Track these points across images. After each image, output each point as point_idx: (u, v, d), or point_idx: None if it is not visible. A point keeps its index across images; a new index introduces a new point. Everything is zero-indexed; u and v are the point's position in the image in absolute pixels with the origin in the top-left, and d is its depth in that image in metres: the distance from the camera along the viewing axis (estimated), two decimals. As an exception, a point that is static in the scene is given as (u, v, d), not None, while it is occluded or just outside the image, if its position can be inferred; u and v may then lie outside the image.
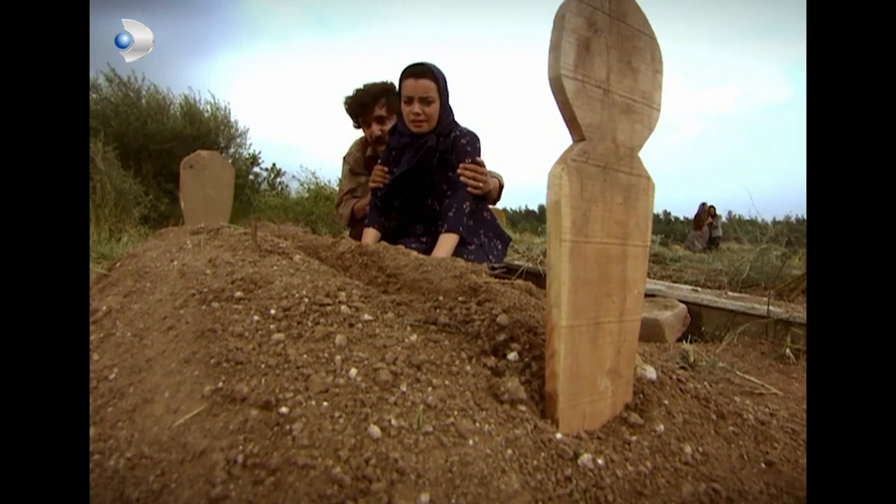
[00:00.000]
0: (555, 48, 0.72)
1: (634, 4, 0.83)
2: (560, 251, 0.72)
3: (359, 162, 2.76)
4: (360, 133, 2.81)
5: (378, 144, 2.62)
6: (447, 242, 2.02)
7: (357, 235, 2.53)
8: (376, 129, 2.57)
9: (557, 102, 0.73)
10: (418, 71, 2.03)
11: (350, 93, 2.67)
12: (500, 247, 2.37)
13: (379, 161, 2.41)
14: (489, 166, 2.27)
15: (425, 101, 2.03)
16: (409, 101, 2.03)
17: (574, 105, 0.73)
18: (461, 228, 2.06)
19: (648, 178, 0.86)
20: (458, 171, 2.08)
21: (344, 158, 2.85)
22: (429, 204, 2.21)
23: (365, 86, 2.63)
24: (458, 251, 2.10)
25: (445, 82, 2.13)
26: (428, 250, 2.05)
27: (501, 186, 2.47)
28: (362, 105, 2.59)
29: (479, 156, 2.17)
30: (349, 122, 2.74)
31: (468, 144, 2.14)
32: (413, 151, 2.12)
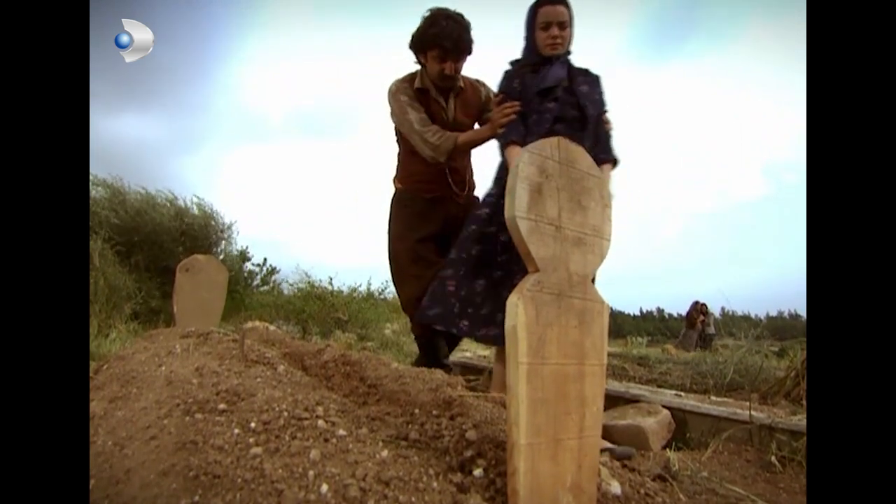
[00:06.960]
0: (510, 193, 0.83)
1: (582, 151, 0.97)
2: (518, 373, 0.79)
3: (410, 95, 2.51)
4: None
5: (446, 81, 2.43)
6: (605, 173, 2.05)
7: (453, 169, 2.46)
8: (451, 66, 2.37)
9: (514, 240, 0.84)
10: None
11: (428, 18, 2.39)
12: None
13: (503, 96, 2.22)
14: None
15: (561, 25, 2.09)
16: (547, 26, 2.09)
17: (528, 242, 0.83)
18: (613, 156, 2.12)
19: (602, 302, 0.95)
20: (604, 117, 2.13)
21: (395, 95, 2.55)
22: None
23: (454, 14, 2.39)
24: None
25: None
26: None
27: None
28: (457, 40, 2.33)
29: None
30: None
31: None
32: (555, 66, 2.11)
